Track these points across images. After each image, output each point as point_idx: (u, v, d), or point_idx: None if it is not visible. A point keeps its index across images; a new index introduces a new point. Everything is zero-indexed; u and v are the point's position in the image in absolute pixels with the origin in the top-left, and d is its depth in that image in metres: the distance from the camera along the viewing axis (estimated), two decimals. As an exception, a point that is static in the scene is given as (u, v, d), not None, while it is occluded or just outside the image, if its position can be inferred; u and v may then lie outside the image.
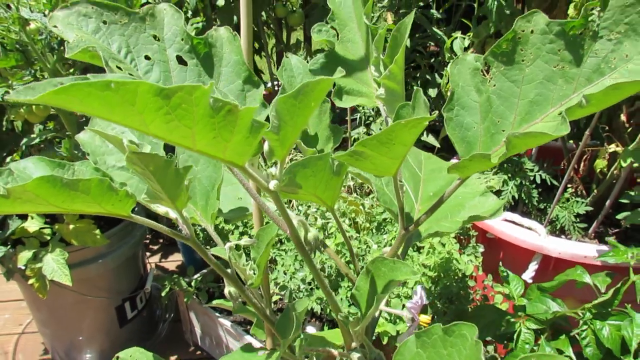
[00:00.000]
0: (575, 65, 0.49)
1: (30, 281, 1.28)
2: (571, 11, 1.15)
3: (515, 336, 0.90)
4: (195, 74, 0.49)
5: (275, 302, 1.53)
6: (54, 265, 1.24)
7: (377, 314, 0.77)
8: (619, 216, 1.29)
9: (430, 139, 1.60)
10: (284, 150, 0.38)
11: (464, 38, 1.26)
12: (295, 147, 0.66)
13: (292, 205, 1.47)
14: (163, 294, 1.53)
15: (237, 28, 0.56)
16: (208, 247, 0.82)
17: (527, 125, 0.52)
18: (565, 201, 1.35)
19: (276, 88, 2.41)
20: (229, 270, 0.61)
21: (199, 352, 1.64)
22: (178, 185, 0.48)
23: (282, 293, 1.30)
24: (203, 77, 0.49)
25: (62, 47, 1.23)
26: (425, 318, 0.59)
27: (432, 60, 1.55)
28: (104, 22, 0.46)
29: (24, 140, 1.22)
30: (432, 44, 1.56)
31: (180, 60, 0.49)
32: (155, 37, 0.48)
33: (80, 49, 0.40)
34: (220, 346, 1.55)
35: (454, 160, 0.76)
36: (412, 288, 1.18)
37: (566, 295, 1.11)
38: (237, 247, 0.66)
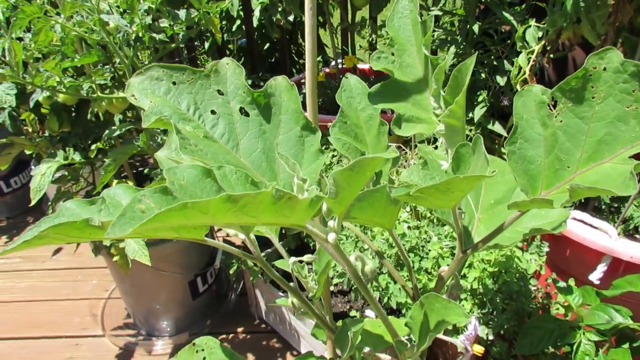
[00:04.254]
0: (650, 107, 0.46)
1: (115, 258, 1.41)
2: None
3: (575, 347, 0.89)
4: (257, 124, 0.52)
5: (336, 285, 1.59)
6: (135, 246, 1.35)
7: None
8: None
9: (497, 127, 1.54)
10: (342, 209, 0.40)
11: (538, 27, 1.19)
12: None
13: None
14: (231, 271, 1.64)
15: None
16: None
17: (594, 164, 0.51)
18: (643, 199, 1.28)
19: (340, 66, 2.39)
20: (291, 284, 0.65)
21: (263, 326, 1.75)
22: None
23: (341, 280, 1.35)
24: (264, 126, 0.51)
25: (137, 43, 1.31)
26: (478, 348, 0.60)
27: (503, 44, 1.47)
28: (174, 83, 0.49)
29: (106, 132, 1.32)
30: (504, 27, 1.48)
31: (243, 112, 0.52)
32: (219, 91, 0.51)
33: (155, 118, 0.45)
34: (283, 322, 1.64)
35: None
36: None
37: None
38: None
